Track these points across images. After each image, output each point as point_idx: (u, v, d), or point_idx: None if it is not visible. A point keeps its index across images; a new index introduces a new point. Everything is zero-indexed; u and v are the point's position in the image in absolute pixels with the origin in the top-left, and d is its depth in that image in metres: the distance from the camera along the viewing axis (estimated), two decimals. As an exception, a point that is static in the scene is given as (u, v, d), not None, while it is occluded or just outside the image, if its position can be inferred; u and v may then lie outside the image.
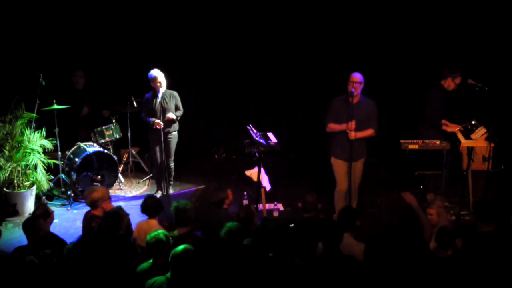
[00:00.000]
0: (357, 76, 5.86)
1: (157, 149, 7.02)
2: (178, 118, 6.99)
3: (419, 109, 6.74)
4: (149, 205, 5.02)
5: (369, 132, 5.97)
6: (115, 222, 4.60)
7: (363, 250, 4.28)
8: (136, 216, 6.48)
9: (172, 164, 7.13)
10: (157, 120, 6.74)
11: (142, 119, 7.05)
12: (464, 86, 6.41)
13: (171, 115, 6.85)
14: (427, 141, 6.36)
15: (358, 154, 6.00)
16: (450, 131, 6.70)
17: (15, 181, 6.73)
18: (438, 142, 6.32)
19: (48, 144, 6.85)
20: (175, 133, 7.07)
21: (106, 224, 4.65)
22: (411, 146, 6.32)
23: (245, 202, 6.63)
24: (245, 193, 6.89)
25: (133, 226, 5.89)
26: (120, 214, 4.68)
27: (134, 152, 8.29)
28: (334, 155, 6.12)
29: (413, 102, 6.91)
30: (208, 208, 6.28)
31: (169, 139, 6.97)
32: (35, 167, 6.73)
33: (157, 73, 6.80)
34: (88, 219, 5.05)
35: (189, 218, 4.57)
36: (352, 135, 5.82)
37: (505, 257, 3.86)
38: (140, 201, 7.00)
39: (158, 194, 7.16)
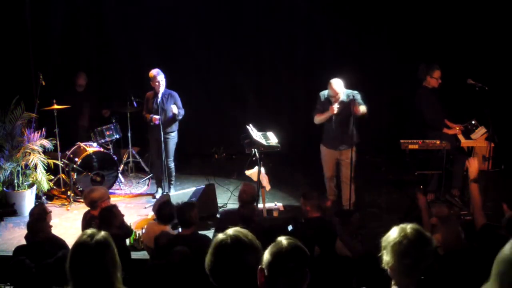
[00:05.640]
0: (336, 90, 6.13)
1: (155, 148, 7.01)
2: (179, 117, 6.96)
3: (419, 115, 6.72)
4: (165, 214, 4.97)
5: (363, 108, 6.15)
6: (107, 220, 4.54)
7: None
8: (135, 216, 6.54)
9: (172, 165, 7.10)
10: (155, 116, 6.74)
11: (143, 117, 7.05)
12: (464, 86, 6.39)
13: (174, 109, 6.78)
14: (427, 141, 6.35)
15: (343, 143, 6.24)
16: (451, 134, 6.69)
17: (15, 181, 6.74)
18: (438, 142, 6.32)
19: (48, 144, 6.85)
20: (174, 133, 7.05)
21: (99, 222, 4.61)
22: (411, 146, 6.32)
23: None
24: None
25: (132, 226, 5.95)
26: (113, 212, 4.65)
27: (134, 152, 8.28)
28: (322, 142, 6.50)
29: (413, 102, 6.90)
30: (210, 206, 6.33)
31: (167, 139, 6.95)
32: (35, 167, 6.72)
33: (156, 73, 6.79)
34: (87, 220, 5.02)
35: (192, 219, 4.57)
36: (333, 109, 6.12)
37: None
38: (139, 201, 7.21)
39: (158, 194, 7.16)
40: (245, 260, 2.10)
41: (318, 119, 6.35)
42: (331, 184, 6.61)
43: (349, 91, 6.20)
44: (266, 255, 2.14)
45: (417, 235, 2.33)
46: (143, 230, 5.47)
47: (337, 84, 6.15)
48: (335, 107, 6.10)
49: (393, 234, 2.37)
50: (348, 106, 6.07)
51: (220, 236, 2.16)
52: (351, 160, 6.02)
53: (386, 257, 2.36)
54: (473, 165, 4.32)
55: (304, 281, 2.12)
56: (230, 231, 2.17)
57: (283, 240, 2.16)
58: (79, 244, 2.37)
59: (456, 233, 3.78)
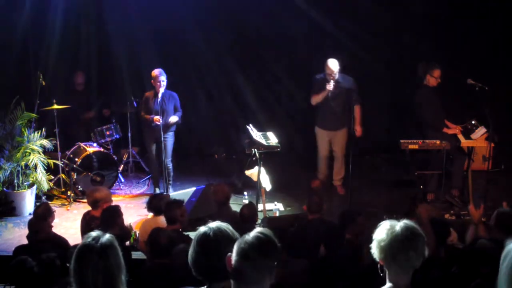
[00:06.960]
0: (331, 68, 6.64)
1: (153, 148, 7.03)
2: (179, 121, 7.00)
3: (419, 116, 6.72)
4: (155, 204, 4.99)
5: (358, 111, 6.73)
6: (108, 221, 4.53)
7: None
8: (135, 216, 6.54)
9: (170, 165, 7.12)
10: (156, 117, 6.74)
11: (140, 117, 7.04)
12: (464, 86, 6.39)
13: (172, 119, 6.86)
14: (427, 141, 6.36)
15: (338, 124, 6.81)
16: (451, 134, 6.69)
17: (15, 181, 6.73)
18: (438, 142, 6.32)
19: (48, 144, 6.85)
20: (172, 133, 7.07)
21: (101, 221, 4.60)
22: (411, 146, 6.32)
23: (245, 202, 6.63)
24: (245, 193, 6.89)
25: (132, 225, 5.94)
26: (115, 213, 4.65)
27: (134, 152, 8.28)
28: (317, 125, 6.97)
29: (413, 102, 6.90)
30: (210, 206, 6.32)
31: (165, 140, 6.95)
32: (35, 167, 6.72)
33: (159, 73, 6.80)
34: (87, 220, 5.00)
35: (176, 217, 4.59)
36: (359, 132, 6.75)
37: None
38: (139, 201, 7.21)
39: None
40: (227, 252, 2.11)
41: (315, 99, 6.78)
42: (324, 163, 7.06)
43: (346, 76, 6.73)
44: (235, 244, 2.15)
45: (408, 231, 2.33)
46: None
47: (333, 63, 6.62)
48: (331, 84, 6.55)
49: (384, 230, 2.38)
50: (344, 90, 6.63)
51: (202, 228, 2.19)
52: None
53: (379, 254, 2.36)
54: (473, 213, 4.42)
55: (270, 272, 2.10)
56: (212, 224, 2.19)
57: (254, 231, 2.15)
58: (84, 246, 2.35)
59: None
